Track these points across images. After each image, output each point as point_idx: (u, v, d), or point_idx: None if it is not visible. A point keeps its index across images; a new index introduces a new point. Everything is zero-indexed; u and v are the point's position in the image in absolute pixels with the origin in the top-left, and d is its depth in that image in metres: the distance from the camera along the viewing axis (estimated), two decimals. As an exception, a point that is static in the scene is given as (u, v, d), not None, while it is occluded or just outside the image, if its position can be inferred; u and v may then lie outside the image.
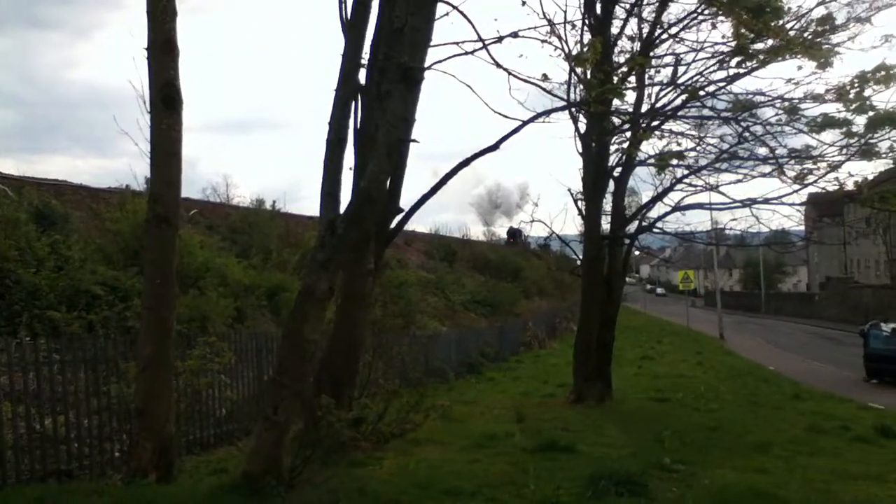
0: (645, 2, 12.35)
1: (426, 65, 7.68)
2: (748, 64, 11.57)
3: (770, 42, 9.95)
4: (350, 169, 7.99)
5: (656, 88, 13.12)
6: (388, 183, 7.68)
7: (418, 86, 7.67)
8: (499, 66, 7.68)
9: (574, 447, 8.41)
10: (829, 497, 6.58)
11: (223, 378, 8.95)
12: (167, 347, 6.42)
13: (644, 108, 12.92)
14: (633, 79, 12.14)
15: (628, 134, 12.89)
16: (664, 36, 12.67)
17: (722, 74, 12.29)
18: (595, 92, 8.47)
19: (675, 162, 13.22)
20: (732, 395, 14.28)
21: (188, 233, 13.00)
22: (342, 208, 6.54)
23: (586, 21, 12.07)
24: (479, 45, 7.64)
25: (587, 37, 11.65)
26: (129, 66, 7.57)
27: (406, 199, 8.89)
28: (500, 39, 7.63)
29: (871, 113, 10.46)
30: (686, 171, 13.54)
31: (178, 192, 6.62)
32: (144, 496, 5.56)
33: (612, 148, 13.39)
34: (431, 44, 7.87)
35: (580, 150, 13.11)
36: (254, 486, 5.81)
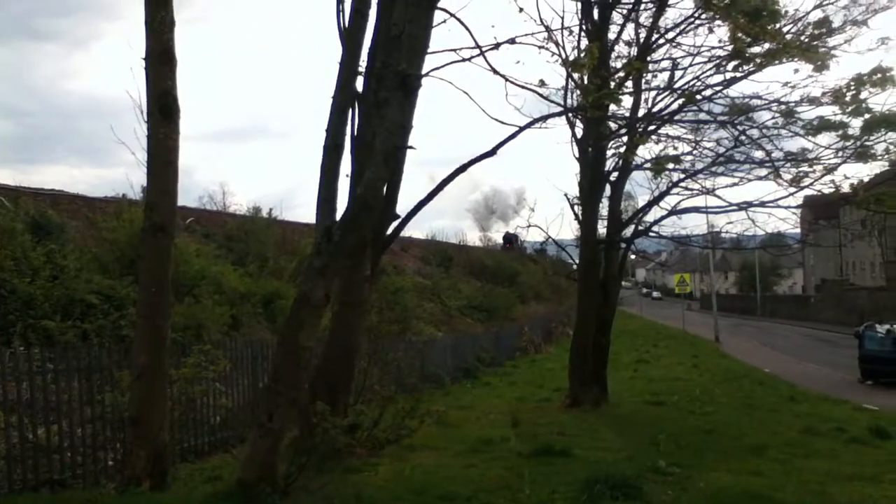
0: (642, 7, 12.38)
1: (423, 72, 7.66)
2: (745, 68, 11.58)
3: (767, 46, 9.97)
4: (347, 176, 8.00)
5: (653, 93, 13.16)
6: (384, 189, 7.67)
7: (416, 93, 7.64)
8: (496, 72, 7.66)
9: (569, 451, 8.40)
10: (824, 499, 6.59)
11: (218, 386, 8.91)
12: (162, 356, 6.41)
13: (641, 112, 12.91)
14: (629, 83, 12.14)
15: (625, 138, 12.90)
16: (661, 41, 12.68)
17: (718, 78, 12.33)
18: (592, 97, 8.45)
19: (671, 166, 13.25)
20: (728, 398, 14.27)
21: (184, 241, 12.99)
22: (339, 215, 6.53)
23: (583, 27, 12.08)
24: (477, 51, 7.63)
25: (584, 42, 11.66)
26: (127, 76, 7.59)
27: (402, 205, 8.88)
28: (497, 46, 7.59)
29: (867, 115, 10.48)
30: (682, 175, 13.58)
31: (174, 201, 6.60)
32: (138, 505, 5.53)
33: (609, 152, 13.41)
34: (429, 51, 7.85)
35: (577, 155, 13.10)
36: (249, 493, 5.78)
